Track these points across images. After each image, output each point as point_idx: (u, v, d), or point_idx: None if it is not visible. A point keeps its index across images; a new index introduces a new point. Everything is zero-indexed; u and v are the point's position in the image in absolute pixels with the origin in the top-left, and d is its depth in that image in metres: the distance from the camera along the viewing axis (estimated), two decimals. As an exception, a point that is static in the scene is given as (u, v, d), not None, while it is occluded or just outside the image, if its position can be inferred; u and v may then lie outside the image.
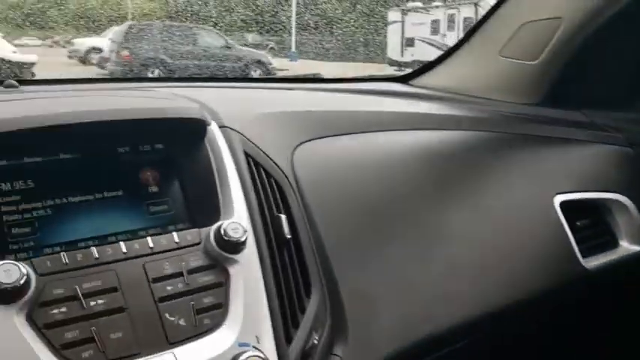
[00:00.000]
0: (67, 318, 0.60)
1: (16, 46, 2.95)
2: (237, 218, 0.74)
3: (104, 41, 3.94)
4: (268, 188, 0.84)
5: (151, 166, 0.77)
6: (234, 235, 0.70)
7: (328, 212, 0.90)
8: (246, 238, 0.71)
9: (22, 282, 0.58)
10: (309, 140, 0.99)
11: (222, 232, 0.70)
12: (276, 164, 0.88)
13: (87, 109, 0.72)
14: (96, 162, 0.73)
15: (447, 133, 1.11)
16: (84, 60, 4.35)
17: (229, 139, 0.83)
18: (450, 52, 1.45)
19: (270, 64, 3.62)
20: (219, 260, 0.71)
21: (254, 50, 3.76)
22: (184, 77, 1.15)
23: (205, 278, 0.69)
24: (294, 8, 3.69)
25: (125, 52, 3.74)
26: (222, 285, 0.70)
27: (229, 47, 3.67)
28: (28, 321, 0.59)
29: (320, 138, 1.00)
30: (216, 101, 0.91)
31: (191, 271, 0.69)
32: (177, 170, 0.78)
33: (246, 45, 3.88)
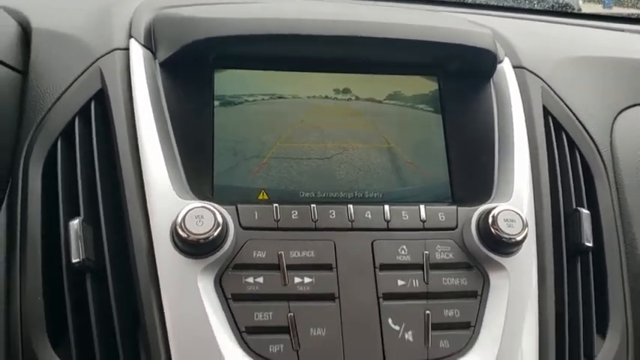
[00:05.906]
0: (262, 293, 0.42)
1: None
2: (516, 204, 0.47)
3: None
4: (570, 167, 0.54)
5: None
6: (507, 229, 0.44)
7: None
8: (524, 236, 0.45)
9: (215, 234, 0.41)
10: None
11: (491, 220, 0.45)
12: (588, 134, 0.57)
13: (344, 19, 0.51)
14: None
15: None
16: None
17: (525, 86, 0.56)
18: None
19: (580, 10, 3.10)
20: (478, 259, 0.46)
21: (564, -9, 3.25)
22: (477, 4, 0.87)
23: (453, 281, 0.45)
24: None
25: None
26: (476, 296, 0.45)
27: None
28: (216, 286, 0.42)
29: None
30: (512, 33, 0.63)
31: (435, 266, 0.45)
32: (445, 118, 0.54)
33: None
